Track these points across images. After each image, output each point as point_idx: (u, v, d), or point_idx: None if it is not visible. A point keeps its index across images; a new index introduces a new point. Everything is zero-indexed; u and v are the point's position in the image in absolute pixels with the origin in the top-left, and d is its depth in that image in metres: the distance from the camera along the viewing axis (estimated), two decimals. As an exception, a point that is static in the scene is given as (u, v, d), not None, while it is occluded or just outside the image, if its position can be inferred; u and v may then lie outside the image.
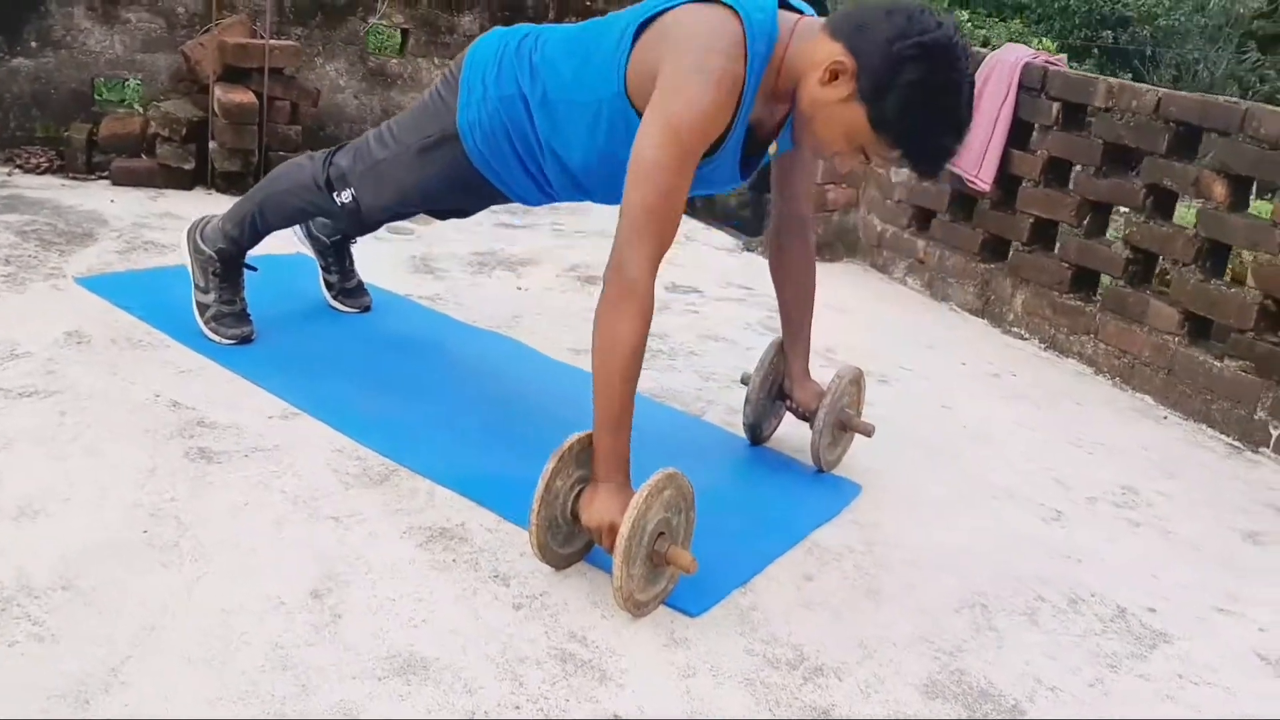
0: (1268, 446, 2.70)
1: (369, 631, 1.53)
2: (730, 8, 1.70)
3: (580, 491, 1.71)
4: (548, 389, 2.47)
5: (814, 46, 1.69)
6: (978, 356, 3.21)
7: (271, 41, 3.67)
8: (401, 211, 2.32)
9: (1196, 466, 2.61)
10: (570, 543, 1.75)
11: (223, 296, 2.44)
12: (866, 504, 2.14)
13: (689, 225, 4.44)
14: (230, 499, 1.82)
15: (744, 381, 2.31)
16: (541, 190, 2.11)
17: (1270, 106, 2.73)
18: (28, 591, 1.50)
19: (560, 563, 1.74)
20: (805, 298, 2.21)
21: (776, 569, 1.86)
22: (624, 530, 1.57)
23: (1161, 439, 2.76)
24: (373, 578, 1.65)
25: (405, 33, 4.31)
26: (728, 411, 2.48)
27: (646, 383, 2.45)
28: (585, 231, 3.92)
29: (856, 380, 2.23)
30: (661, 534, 1.64)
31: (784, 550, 1.91)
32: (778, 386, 2.27)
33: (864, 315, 3.44)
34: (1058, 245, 3.40)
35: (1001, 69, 3.41)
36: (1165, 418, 2.91)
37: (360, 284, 2.79)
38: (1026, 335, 3.43)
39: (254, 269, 2.51)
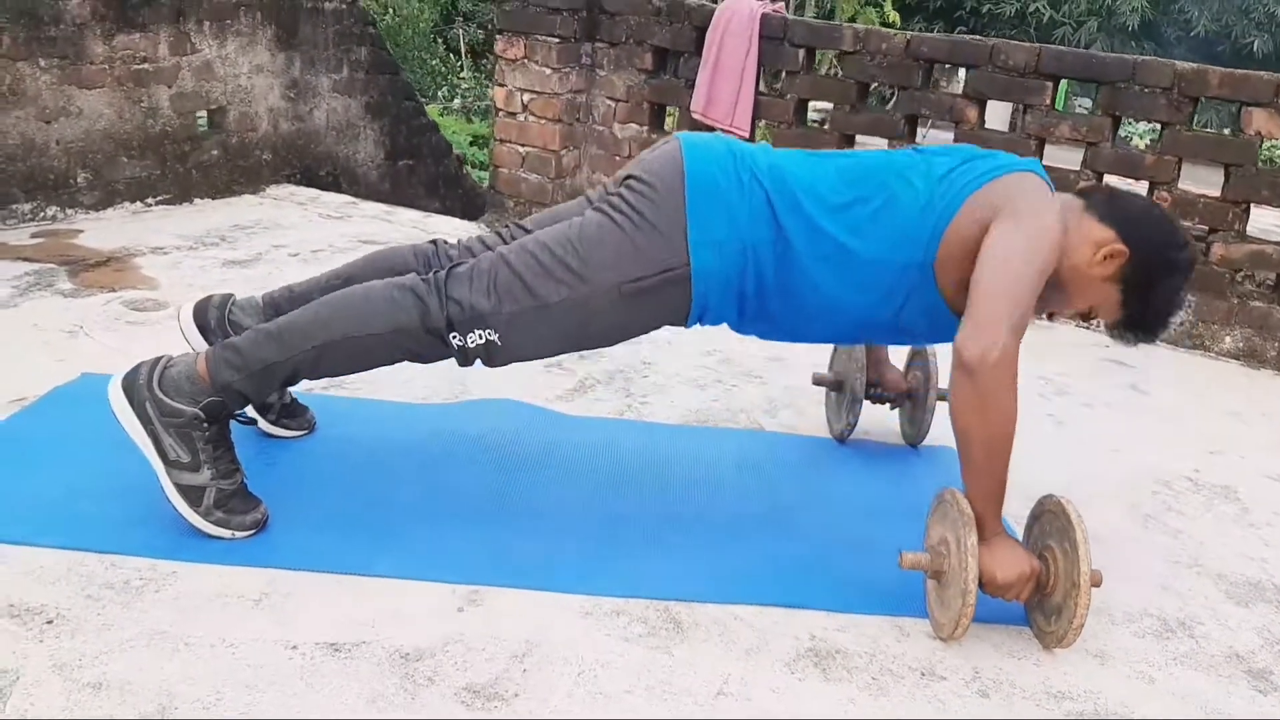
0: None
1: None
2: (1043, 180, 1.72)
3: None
4: (607, 452, 2.15)
5: (1088, 225, 1.74)
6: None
7: None
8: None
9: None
10: (942, 606, 1.67)
11: (220, 468, 1.68)
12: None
13: (407, 215, 3.96)
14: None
15: (819, 384, 2.30)
16: (729, 322, 1.81)
17: (1014, 41, 3.30)
18: None
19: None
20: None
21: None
22: (1084, 567, 1.55)
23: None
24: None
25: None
26: (764, 414, 2.42)
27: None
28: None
29: (928, 351, 2.32)
30: (1058, 562, 1.65)
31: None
32: (854, 382, 2.26)
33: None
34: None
35: (739, 20, 3.57)
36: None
37: (294, 397, 2.09)
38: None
39: (253, 421, 1.76)
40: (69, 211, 3.38)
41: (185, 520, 1.67)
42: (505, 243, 1.86)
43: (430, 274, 1.73)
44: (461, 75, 12.55)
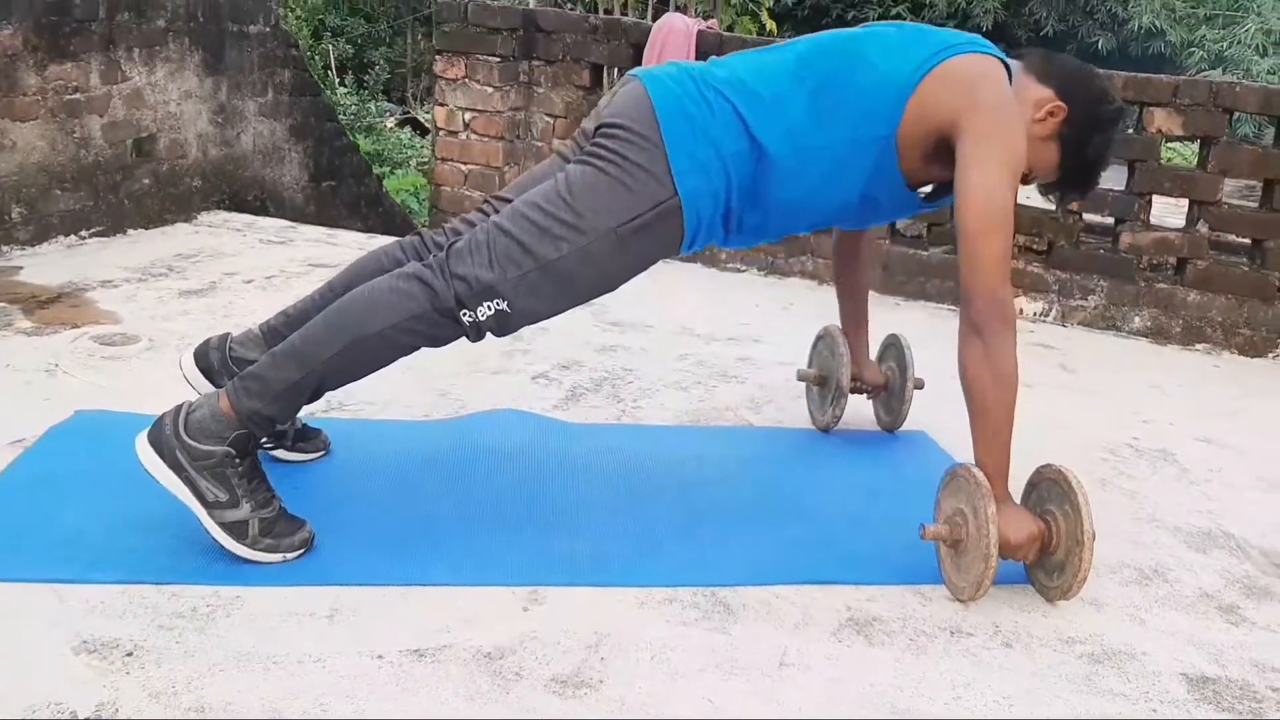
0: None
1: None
2: (996, 58, 1.84)
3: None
4: (613, 452, 2.25)
5: (1028, 84, 1.88)
6: (721, 300, 3.60)
7: None
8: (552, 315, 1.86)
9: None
10: (959, 570, 1.84)
11: (258, 499, 1.71)
12: (944, 442, 2.48)
13: (349, 237, 3.95)
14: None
15: (803, 380, 2.45)
16: (716, 240, 1.92)
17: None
18: None
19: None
20: (864, 286, 2.39)
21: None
22: (1087, 526, 1.73)
23: (915, 319, 3.54)
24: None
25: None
26: (748, 410, 2.57)
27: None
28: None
29: (902, 343, 2.49)
30: (1051, 523, 1.84)
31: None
32: (839, 378, 2.41)
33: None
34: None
35: (676, 37, 3.71)
36: (897, 304, 3.71)
37: (304, 422, 2.11)
38: (744, 266, 3.93)
39: (273, 446, 1.79)
40: (4, 249, 3.27)
41: (237, 555, 1.70)
42: (491, 216, 1.87)
43: (429, 258, 1.77)
44: (337, 92, 12.36)
